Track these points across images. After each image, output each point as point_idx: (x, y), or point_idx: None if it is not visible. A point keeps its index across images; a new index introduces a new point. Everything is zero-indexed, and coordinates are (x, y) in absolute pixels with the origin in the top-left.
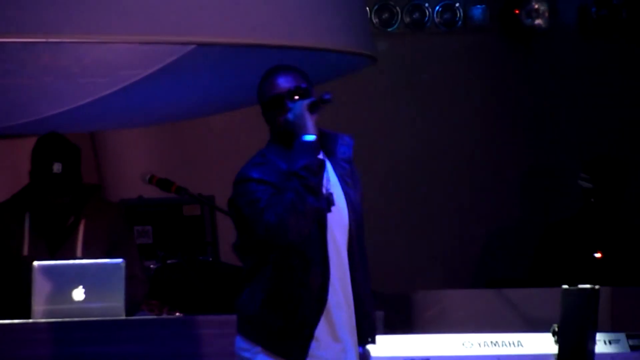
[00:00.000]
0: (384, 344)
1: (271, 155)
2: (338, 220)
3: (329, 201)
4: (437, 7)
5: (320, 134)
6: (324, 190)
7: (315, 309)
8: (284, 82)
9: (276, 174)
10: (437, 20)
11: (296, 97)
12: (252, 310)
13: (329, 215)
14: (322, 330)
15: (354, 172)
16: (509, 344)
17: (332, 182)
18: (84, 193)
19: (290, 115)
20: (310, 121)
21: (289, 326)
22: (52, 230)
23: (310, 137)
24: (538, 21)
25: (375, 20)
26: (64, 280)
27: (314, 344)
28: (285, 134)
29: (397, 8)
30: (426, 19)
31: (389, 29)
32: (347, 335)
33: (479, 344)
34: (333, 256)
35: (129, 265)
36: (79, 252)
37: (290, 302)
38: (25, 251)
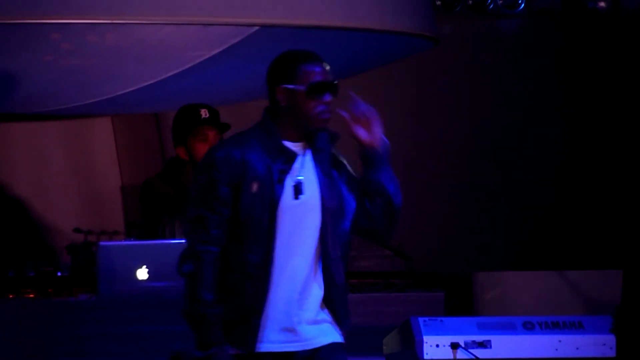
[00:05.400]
0: (445, 326)
1: (253, 137)
2: (309, 208)
3: (297, 189)
4: None
5: None
6: (292, 180)
7: (258, 297)
8: (324, 73)
9: (239, 166)
10: (499, 2)
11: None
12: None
13: (297, 203)
14: (272, 316)
15: (332, 162)
16: (570, 325)
17: (306, 169)
18: None
19: None
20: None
21: (235, 316)
22: None
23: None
24: (601, 4)
25: (438, 2)
26: (128, 260)
27: (267, 329)
28: (290, 117)
29: None
30: (489, 1)
31: (451, 11)
32: (305, 320)
33: (540, 326)
34: (294, 243)
35: None
36: None
37: (232, 292)
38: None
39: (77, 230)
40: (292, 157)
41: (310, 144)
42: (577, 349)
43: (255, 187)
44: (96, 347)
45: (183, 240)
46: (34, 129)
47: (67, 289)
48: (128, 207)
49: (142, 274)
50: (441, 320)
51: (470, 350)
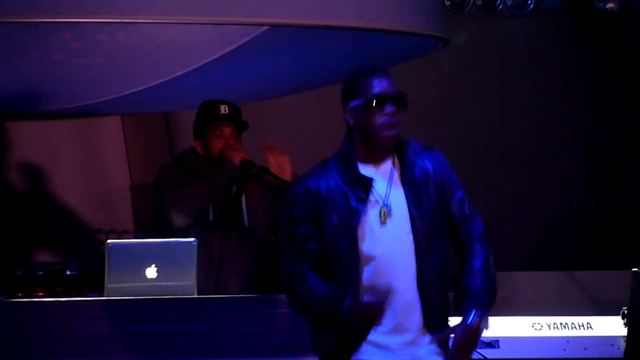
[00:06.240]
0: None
1: (334, 164)
2: (398, 232)
3: (383, 214)
4: None
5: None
6: (376, 206)
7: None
8: (385, 85)
9: (317, 199)
10: (509, 2)
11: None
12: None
13: (384, 229)
14: (369, 340)
15: (421, 176)
16: (578, 326)
17: (393, 191)
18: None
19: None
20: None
21: (330, 345)
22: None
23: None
24: (610, 5)
25: (447, 3)
26: (137, 259)
27: (362, 350)
28: (366, 134)
29: None
30: (498, 1)
31: (461, 11)
32: (403, 343)
33: (548, 326)
34: (386, 271)
35: None
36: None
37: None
38: (211, 217)
39: (86, 228)
40: (367, 184)
41: (400, 161)
42: (585, 349)
43: (334, 218)
44: (104, 346)
45: (191, 240)
46: (44, 128)
47: (76, 288)
48: (137, 206)
49: (151, 272)
50: (448, 314)
51: (479, 350)
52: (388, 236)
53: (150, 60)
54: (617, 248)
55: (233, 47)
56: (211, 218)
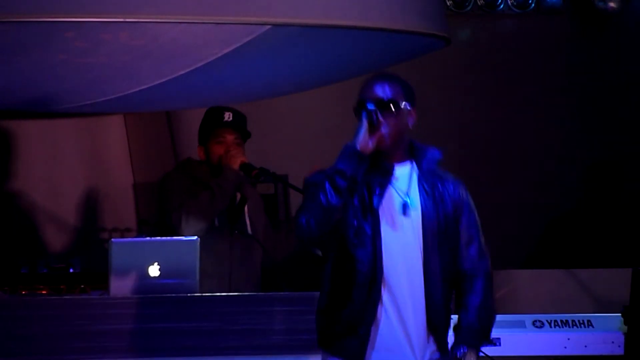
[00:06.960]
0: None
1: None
2: (410, 226)
3: (405, 207)
4: None
5: (411, 146)
6: (401, 197)
7: (367, 309)
8: (375, 90)
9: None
10: (510, 2)
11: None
12: (319, 313)
13: (403, 220)
14: (382, 327)
15: (438, 185)
16: (579, 323)
17: (412, 189)
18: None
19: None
20: (363, 133)
21: (343, 326)
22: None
23: (353, 145)
24: (611, 4)
25: (448, 2)
26: (140, 257)
27: (377, 340)
28: None
29: None
30: (499, 0)
31: (462, 10)
32: (413, 330)
33: (549, 324)
34: (398, 259)
35: None
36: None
37: (343, 302)
38: (216, 222)
39: (89, 227)
40: (388, 171)
41: (417, 163)
42: (586, 346)
43: (356, 199)
44: (107, 344)
45: (193, 238)
46: (47, 127)
47: (79, 286)
48: (140, 204)
49: (154, 270)
50: (450, 318)
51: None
52: (405, 229)
53: (153, 59)
54: (617, 247)
55: (235, 46)
56: (217, 224)
